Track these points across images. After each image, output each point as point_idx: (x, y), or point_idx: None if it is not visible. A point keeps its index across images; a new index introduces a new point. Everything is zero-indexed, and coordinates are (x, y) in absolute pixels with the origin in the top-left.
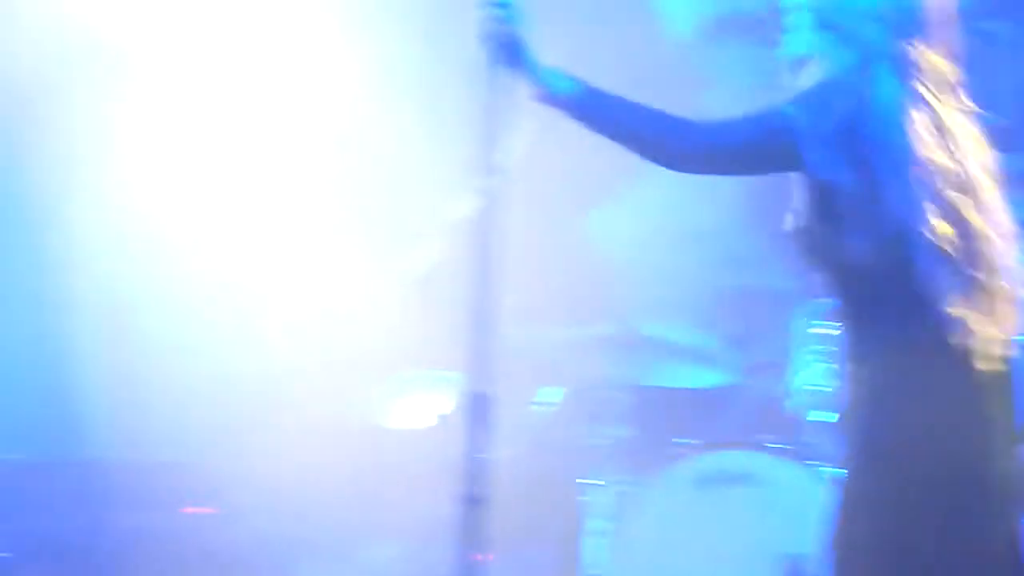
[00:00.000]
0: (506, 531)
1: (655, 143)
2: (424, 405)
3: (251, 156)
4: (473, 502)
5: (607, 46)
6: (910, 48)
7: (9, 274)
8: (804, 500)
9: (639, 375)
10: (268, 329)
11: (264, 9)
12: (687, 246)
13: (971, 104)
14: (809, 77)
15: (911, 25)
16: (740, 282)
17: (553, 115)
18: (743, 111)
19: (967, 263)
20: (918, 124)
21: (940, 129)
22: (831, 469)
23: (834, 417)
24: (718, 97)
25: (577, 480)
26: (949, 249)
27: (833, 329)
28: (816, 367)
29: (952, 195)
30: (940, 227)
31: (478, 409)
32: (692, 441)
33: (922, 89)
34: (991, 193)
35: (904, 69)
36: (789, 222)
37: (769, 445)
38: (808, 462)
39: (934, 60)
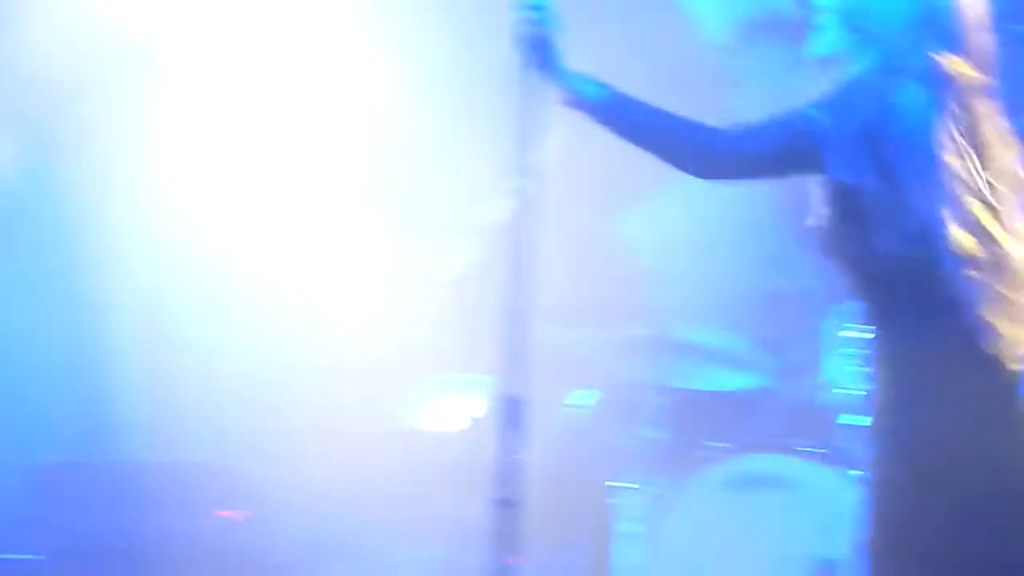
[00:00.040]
0: (538, 534)
1: (680, 149)
2: (457, 408)
3: (285, 157)
4: (505, 505)
5: (638, 48)
6: (938, 52)
7: (45, 274)
8: (836, 504)
9: (671, 378)
10: (302, 331)
11: (297, 10)
12: (719, 248)
13: (1001, 108)
14: (834, 79)
15: (939, 29)
16: (772, 284)
17: (582, 119)
18: (767, 115)
19: (990, 269)
20: (942, 129)
21: (965, 135)
22: (862, 472)
23: (865, 420)
24: (748, 99)
25: (609, 482)
26: (971, 254)
27: (863, 332)
28: (847, 370)
29: (974, 201)
30: (961, 233)
31: (511, 412)
32: (724, 444)
33: (948, 94)
34: (1016, 198)
35: (930, 73)
36: (813, 224)
37: (801, 448)
38: (840, 465)
39: (962, 64)
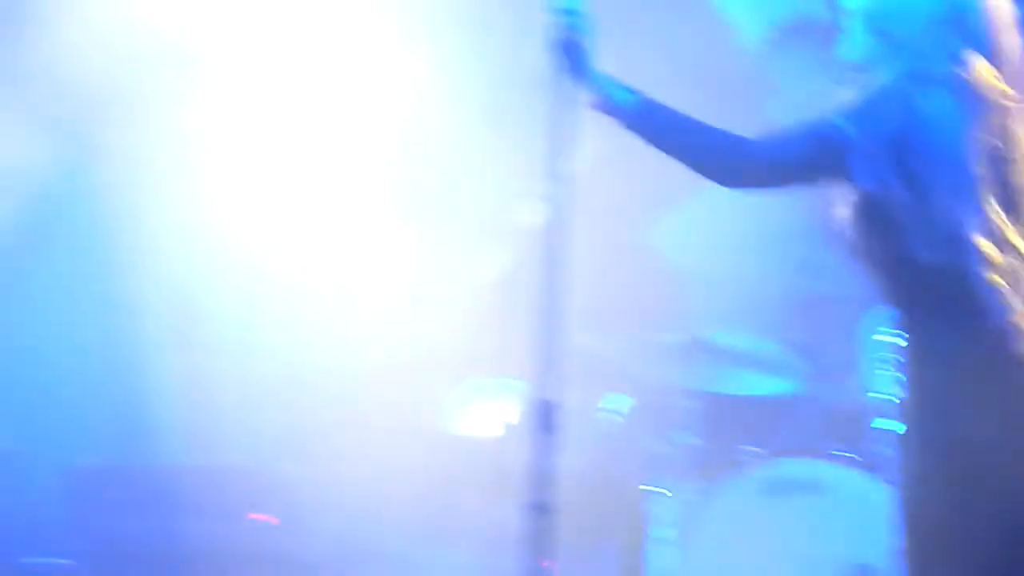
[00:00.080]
0: (572, 538)
1: (707, 157)
2: (491, 412)
3: (319, 161)
4: (539, 509)
5: (673, 53)
6: (965, 58)
7: (82, 278)
8: (870, 508)
9: (706, 382)
10: (336, 335)
11: (330, 15)
12: (753, 253)
13: None
14: (862, 87)
15: (965, 30)
16: (806, 289)
17: (612, 124)
18: (794, 123)
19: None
20: (968, 138)
21: (992, 142)
22: (895, 477)
23: (898, 425)
24: (784, 103)
25: (643, 487)
26: (996, 262)
27: (896, 336)
28: (881, 374)
29: (998, 209)
30: (986, 241)
31: (545, 416)
32: (757, 449)
33: (975, 101)
34: None
35: (957, 80)
36: (841, 230)
37: (835, 453)
38: (874, 470)
39: (988, 70)
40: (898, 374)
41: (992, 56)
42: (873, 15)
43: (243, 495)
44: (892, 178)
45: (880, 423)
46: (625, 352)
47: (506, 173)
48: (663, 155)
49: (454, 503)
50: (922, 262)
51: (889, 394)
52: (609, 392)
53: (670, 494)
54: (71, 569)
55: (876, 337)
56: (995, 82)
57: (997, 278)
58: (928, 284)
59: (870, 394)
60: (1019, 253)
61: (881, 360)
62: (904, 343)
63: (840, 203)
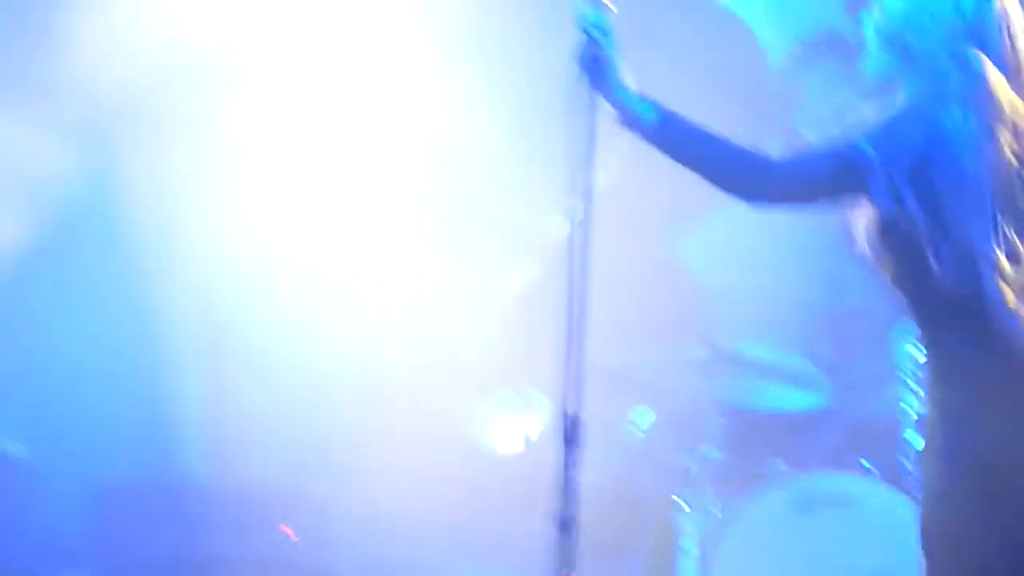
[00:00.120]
0: (596, 552)
1: (729, 174)
2: (516, 426)
3: (349, 171)
4: (564, 523)
5: (699, 67)
6: (984, 75)
7: (110, 287)
8: (897, 523)
9: (732, 397)
10: (362, 347)
11: (362, 28)
12: (781, 267)
13: None
14: (884, 104)
15: (981, 39)
16: (832, 303)
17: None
18: (817, 143)
19: None
20: (989, 157)
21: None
22: (919, 492)
23: (922, 441)
24: (810, 118)
25: (668, 502)
26: (1017, 282)
27: (920, 352)
28: (908, 389)
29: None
30: (1005, 260)
31: (570, 430)
32: (784, 463)
33: (994, 118)
34: None
35: (975, 96)
36: (863, 249)
37: (862, 467)
38: (901, 484)
39: (1008, 87)
40: (919, 390)
41: (1007, 64)
42: (889, 31)
43: (271, 510)
44: (913, 199)
45: (908, 436)
46: (650, 366)
47: (532, 188)
48: (687, 170)
49: (479, 516)
50: (941, 281)
51: (916, 408)
52: (634, 406)
53: (690, 509)
54: None
55: (902, 351)
56: (1012, 94)
57: (1014, 296)
58: (947, 302)
59: (897, 408)
60: None
61: (907, 374)
62: (924, 359)
63: (862, 221)
